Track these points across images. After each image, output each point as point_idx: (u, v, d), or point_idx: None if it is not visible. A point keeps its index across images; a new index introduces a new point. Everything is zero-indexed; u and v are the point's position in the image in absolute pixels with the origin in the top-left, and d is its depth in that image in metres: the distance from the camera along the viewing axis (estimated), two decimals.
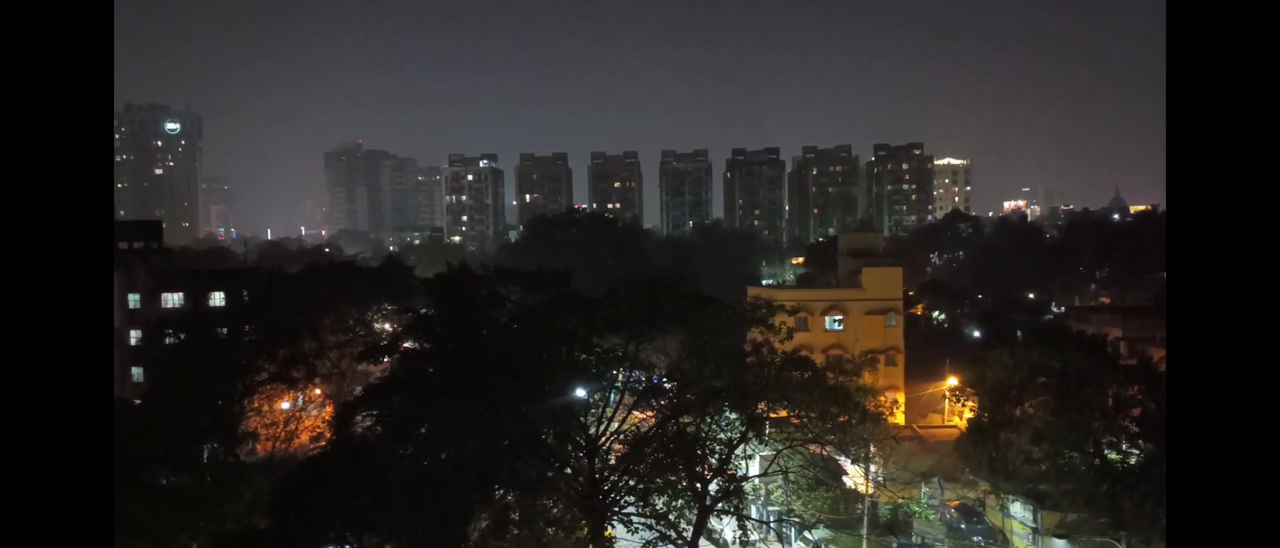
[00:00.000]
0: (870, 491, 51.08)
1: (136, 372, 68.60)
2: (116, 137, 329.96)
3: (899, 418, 67.51)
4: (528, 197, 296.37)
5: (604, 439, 40.61)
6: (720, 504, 40.59)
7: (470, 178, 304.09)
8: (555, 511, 38.26)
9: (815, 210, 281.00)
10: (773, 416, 42.82)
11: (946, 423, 73.57)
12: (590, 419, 40.63)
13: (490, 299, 46.96)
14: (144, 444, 42.16)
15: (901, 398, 71.73)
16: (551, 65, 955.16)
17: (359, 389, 51.58)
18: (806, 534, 50.52)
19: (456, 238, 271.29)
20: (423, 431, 39.52)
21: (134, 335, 74.78)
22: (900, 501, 54.35)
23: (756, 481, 46.29)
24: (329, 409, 55.71)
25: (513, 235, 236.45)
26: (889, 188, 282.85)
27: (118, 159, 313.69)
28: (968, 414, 60.41)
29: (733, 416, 41.95)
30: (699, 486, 39.72)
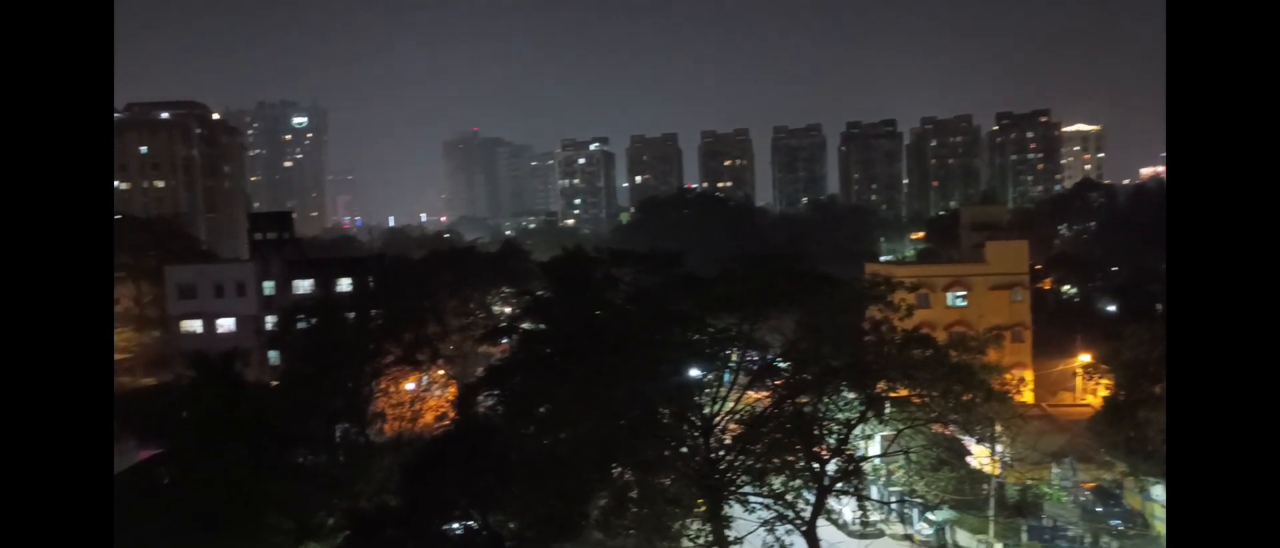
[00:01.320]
0: (997, 471, 49.52)
1: (273, 355, 72.14)
2: (249, 132, 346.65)
3: (1027, 396, 65.17)
4: (639, 178, 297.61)
5: (719, 419, 40.55)
6: (839, 485, 40.05)
7: (582, 161, 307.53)
8: (673, 489, 38.46)
9: (935, 183, 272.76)
10: (893, 395, 41.92)
11: (1079, 402, 70.62)
12: (705, 399, 40.63)
13: (604, 281, 47.42)
14: (283, 426, 44.43)
15: (1029, 376, 69.18)
16: (660, 46, 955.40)
17: (480, 370, 52.93)
18: (930, 515, 49.42)
19: (570, 221, 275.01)
20: (543, 410, 40.28)
21: (269, 321, 78.60)
22: (1029, 482, 52.53)
23: (877, 461, 45.48)
24: (452, 390, 57.37)
25: (625, 217, 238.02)
26: (1013, 158, 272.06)
27: (251, 153, 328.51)
28: (1102, 392, 57.79)
29: (851, 395, 41.26)
30: (817, 466, 39.26)
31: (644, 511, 36.72)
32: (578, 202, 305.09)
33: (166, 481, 41.23)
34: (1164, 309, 10.28)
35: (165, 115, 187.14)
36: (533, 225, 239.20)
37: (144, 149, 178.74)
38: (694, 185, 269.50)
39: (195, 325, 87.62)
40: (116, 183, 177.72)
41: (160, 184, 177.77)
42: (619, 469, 38.25)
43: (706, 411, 40.28)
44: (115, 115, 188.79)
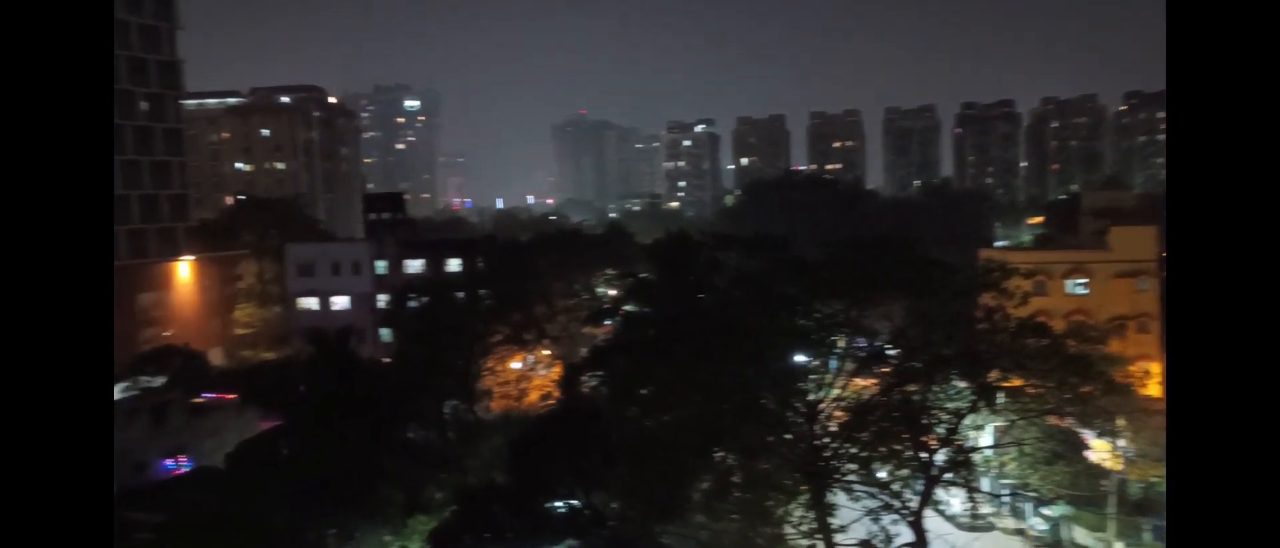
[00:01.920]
0: (1118, 467, 47.40)
1: (384, 333, 74.49)
2: (365, 115, 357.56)
3: (1153, 390, 62.16)
4: (745, 160, 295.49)
5: (824, 406, 39.94)
6: (948, 476, 38.98)
7: (687, 143, 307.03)
8: (776, 475, 38.07)
9: (1055, 167, 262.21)
10: (1006, 385, 40.52)
11: None
12: (810, 385, 40.06)
13: (708, 264, 47.20)
14: (395, 402, 45.85)
15: (1156, 368, 65.91)
16: (769, 25, 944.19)
17: (584, 351, 53.45)
18: (1044, 510, 47.70)
19: (674, 204, 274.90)
20: (646, 392, 40.39)
21: (382, 299, 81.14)
22: (1154, 479, 50.10)
23: (988, 452, 44.10)
24: (557, 370, 58.19)
25: (730, 200, 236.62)
26: (1141, 140, 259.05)
27: (367, 136, 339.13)
28: None
29: (962, 385, 40.06)
30: (925, 456, 38.29)
31: (747, 495, 36.48)
32: (682, 184, 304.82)
33: (285, 452, 42.99)
34: (1165, 309, 10.67)
35: (286, 100, 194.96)
36: (637, 208, 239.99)
37: (266, 132, 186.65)
38: (801, 168, 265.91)
39: (312, 303, 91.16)
40: (240, 165, 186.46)
41: (281, 166, 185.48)
42: (722, 453, 38.08)
43: (811, 397, 39.71)
44: (240, 100, 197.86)
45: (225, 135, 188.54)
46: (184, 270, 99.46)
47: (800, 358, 40.59)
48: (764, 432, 38.57)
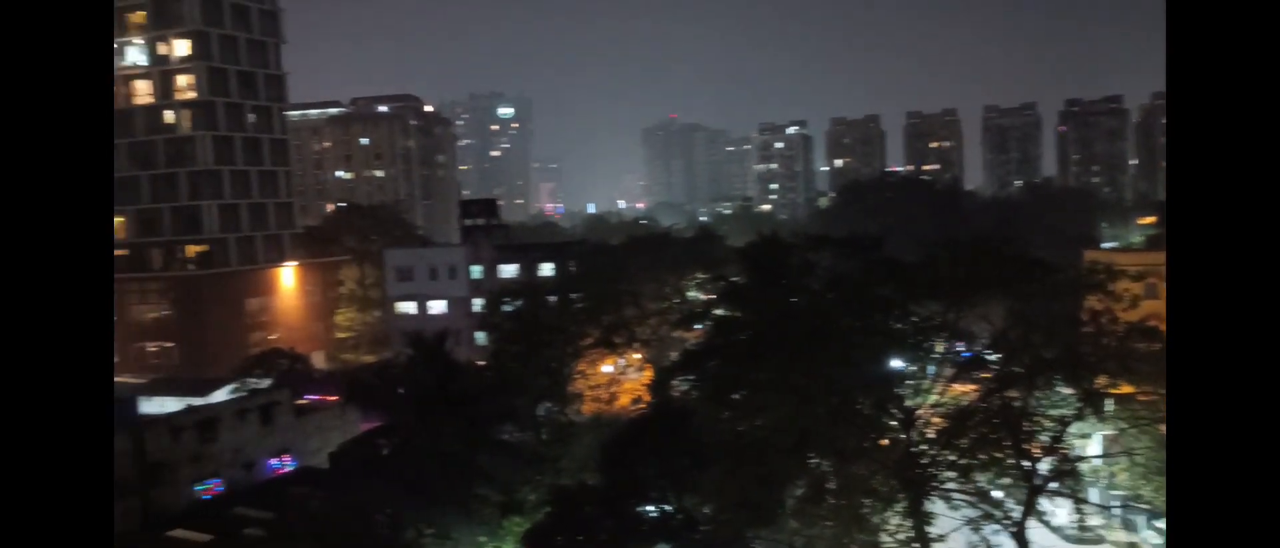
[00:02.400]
0: None
1: (480, 336, 75.85)
2: (459, 122, 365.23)
3: None
4: (839, 162, 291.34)
5: (922, 411, 39.03)
6: (1052, 485, 37.64)
7: (780, 145, 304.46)
8: (872, 481, 37.36)
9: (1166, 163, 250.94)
10: (1114, 391, 38.91)
11: None
12: (907, 390, 39.19)
13: (801, 267, 46.57)
14: (491, 403, 46.60)
15: None
16: (864, 24, 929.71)
17: (675, 355, 53.37)
18: (1158, 523, 45.62)
19: (766, 206, 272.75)
20: (738, 396, 40.12)
21: (477, 303, 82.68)
22: None
23: (1096, 462, 42.43)
24: (648, 373, 58.26)
25: (823, 202, 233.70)
26: None
27: (461, 143, 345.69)
28: None
29: (1066, 391, 38.63)
30: (1027, 464, 37.06)
31: (841, 501, 35.89)
32: (774, 186, 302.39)
33: (386, 451, 44.10)
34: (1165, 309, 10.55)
35: (385, 109, 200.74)
36: (728, 211, 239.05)
37: (366, 141, 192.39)
38: (898, 169, 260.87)
39: (410, 307, 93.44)
40: (341, 173, 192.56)
41: (380, 173, 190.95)
42: (816, 459, 37.54)
43: (907, 402, 38.85)
44: (341, 110, 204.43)
45: (327, 144, 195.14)
46: (289, 276, 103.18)
47: (897, 362, 39.76)
48: (859, 437, 37.89)
